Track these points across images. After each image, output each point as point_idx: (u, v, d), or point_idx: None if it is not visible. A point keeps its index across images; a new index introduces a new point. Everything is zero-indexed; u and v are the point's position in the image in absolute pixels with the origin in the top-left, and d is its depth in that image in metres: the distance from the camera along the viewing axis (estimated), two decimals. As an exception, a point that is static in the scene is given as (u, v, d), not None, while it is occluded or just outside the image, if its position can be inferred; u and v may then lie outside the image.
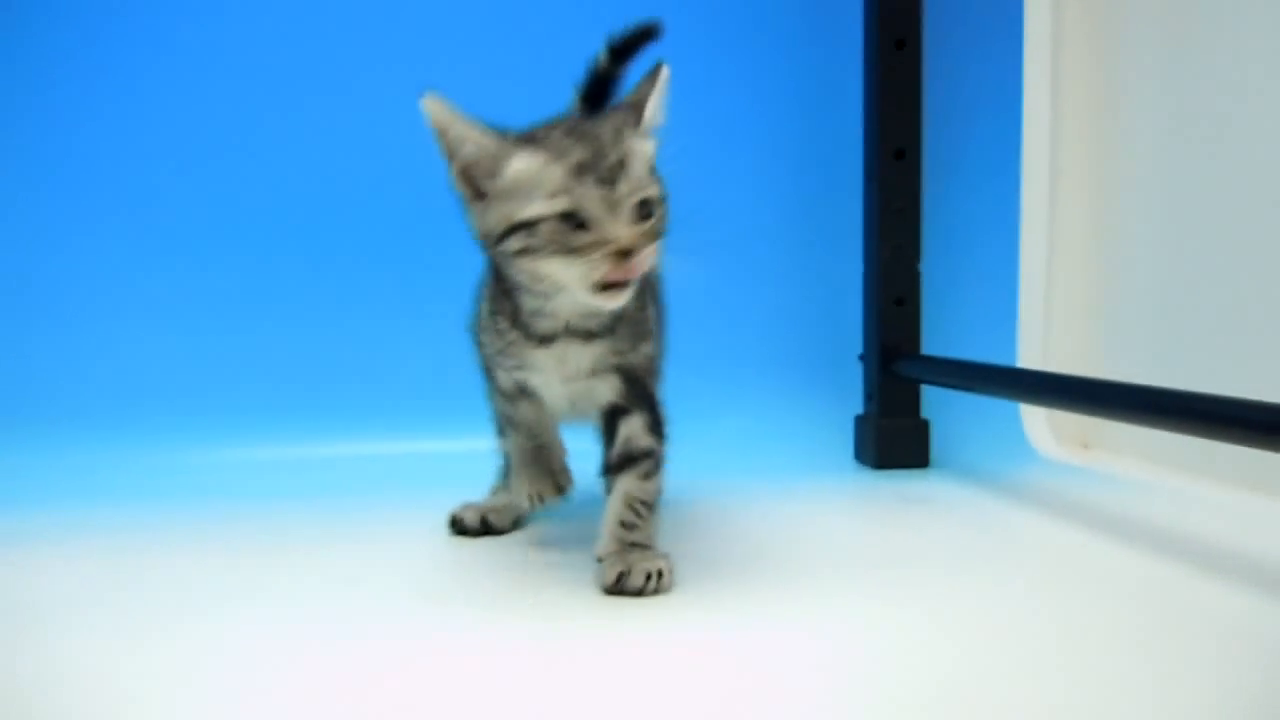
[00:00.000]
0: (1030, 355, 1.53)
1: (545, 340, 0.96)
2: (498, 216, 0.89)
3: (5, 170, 1.51)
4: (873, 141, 1.42)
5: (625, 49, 1.10)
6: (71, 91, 1.52)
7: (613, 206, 0.86)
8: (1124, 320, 1.49)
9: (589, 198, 0.86)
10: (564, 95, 1.11)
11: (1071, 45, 1.53)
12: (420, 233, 1.55)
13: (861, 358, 1.48)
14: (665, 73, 0.96)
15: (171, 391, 1.53)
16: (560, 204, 0.86)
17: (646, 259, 0.88)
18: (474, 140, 0.89)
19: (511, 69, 1.52)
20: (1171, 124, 1.39)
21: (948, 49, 1.47)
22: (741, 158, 1.58)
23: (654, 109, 0.94)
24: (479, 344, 1.04)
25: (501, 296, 0.96)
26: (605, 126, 0.90)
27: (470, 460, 1.43)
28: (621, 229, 0.86)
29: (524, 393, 1.01)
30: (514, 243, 0.88)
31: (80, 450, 1.46)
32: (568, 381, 0.98)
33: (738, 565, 1.02)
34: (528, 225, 0.88)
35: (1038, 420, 1.50)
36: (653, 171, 0.92)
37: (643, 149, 0.91)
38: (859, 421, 1.49)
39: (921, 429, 1.46)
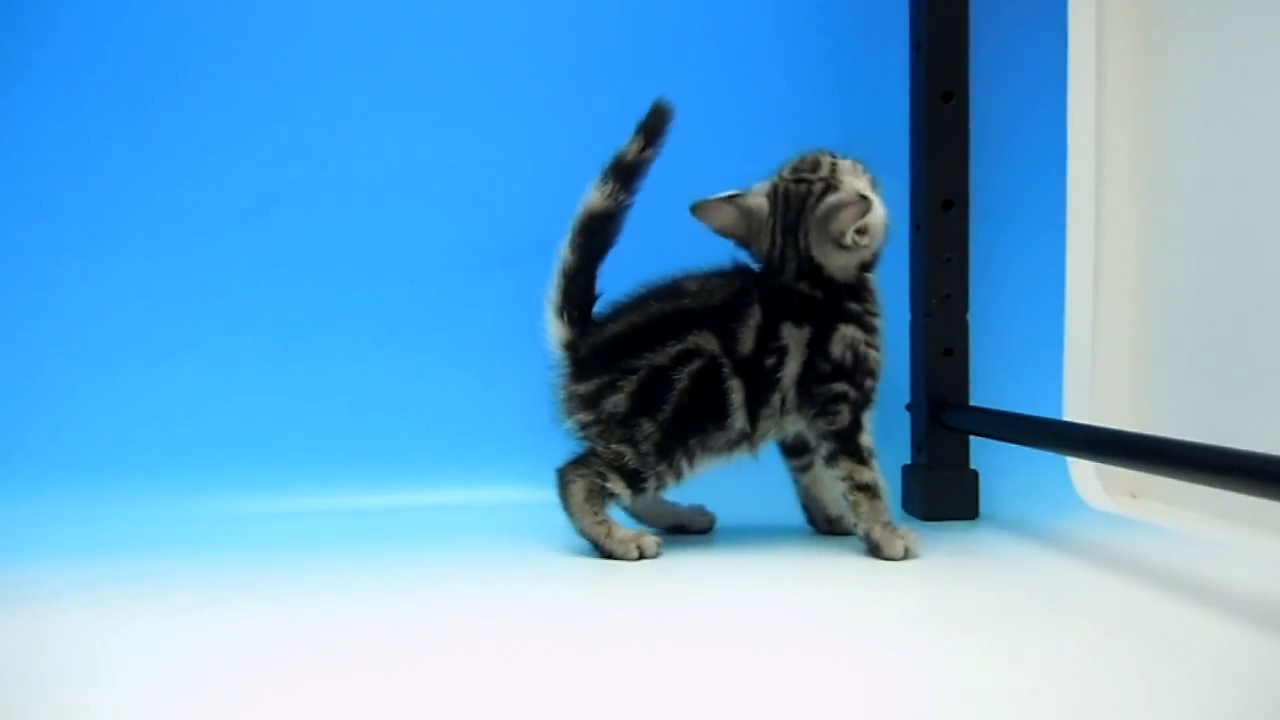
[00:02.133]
0: (1076, 406, 1.53)
1: None
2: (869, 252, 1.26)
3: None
4: (921, 192, 1.43)
5: (650, 131, 1.23)
6: (74, 128, 1.53)
7: None
8: (1169, 371, 1.49)
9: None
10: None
11: (1115, 95, 1.53)
12: (434, 273, 1.58)
13: (909, 407, 1.48)
14: None
15: (178, 439, 1.53)
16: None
17: None
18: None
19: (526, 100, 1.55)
20: (1217, 174, 1.39)
21: (994, 100, 1.48)
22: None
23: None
24: (864, 367, 1.26)
25: (873, 308, 1.28)
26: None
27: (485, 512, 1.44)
28: None
29: None
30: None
31: (75, 499, 1.46)
32: None
33: (787, 614, 1.03)
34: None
35: (1086, 471, 1.50)
36: None
37: None
38: (907, 471, 1.49)
39: (970, 480, 1.45)
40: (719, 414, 1.24)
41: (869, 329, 1.26)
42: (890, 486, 1.49)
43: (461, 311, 1.58)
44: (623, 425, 1.24)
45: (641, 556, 1.23)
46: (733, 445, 1.27)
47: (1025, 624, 0.99)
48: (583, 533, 1.25)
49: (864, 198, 1.22)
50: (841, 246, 1.24)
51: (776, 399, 1.26)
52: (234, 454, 1.52)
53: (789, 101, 1.61)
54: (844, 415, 1.25)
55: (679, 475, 1.26)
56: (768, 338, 1.24)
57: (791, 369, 1.25)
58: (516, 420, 1.55)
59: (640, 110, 1.24)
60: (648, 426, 1.23)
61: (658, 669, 0.87)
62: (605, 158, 1.25)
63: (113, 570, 1.20)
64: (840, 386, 1.25)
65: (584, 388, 1.26)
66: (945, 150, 1.39)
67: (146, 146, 1.54)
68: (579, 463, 1.26)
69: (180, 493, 1.48)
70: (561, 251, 1.25)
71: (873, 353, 1.26)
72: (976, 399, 1.45)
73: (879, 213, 1.25)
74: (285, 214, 1.56)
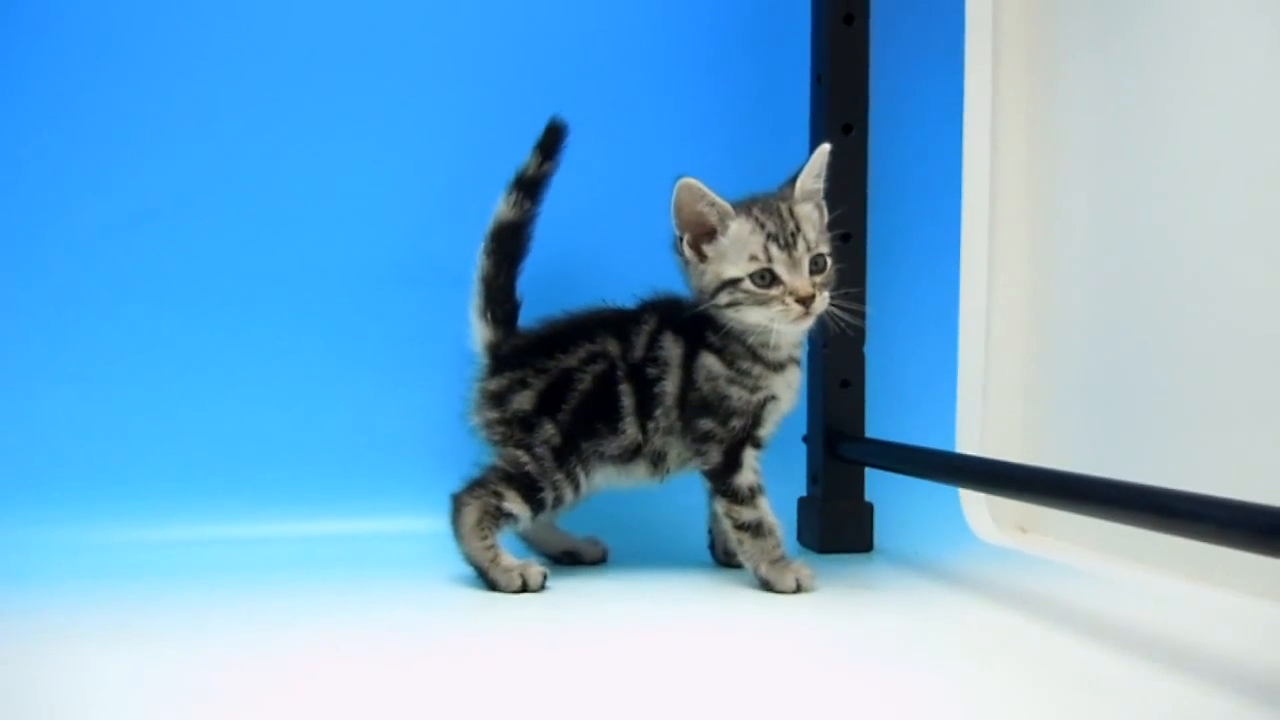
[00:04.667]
0: (969, 439, 1.54)
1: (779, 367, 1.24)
2: (712, 275, 1.20)
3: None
4: (820, 224, 1.43)
5: (547, 148, 1.31)
6: (46, 157, 1.46)
7: (793, 265, 1.17)
8: (1060, 404, 1.51)
9: (776, 259, 1.17)
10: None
11: (1009, 131, 1.56)
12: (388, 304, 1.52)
13: (805, 439, 1.47)
14: (821, 150, 1.23)
15: (128, 465, 1.45)
16: (756, 265, 1.17)
17: (821, 303, 1.18)
18: (715, 207, 1.19)
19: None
20: (1108, 210, 1.42)
21: (892, 134, 1.49)
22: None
23: (804, 180, 1.22)
24: (725, 405, 1.22)
25: (735, 347, 1.22)
26: (781, 201, 1.20)
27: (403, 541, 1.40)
28: (800, 281, 1.16)
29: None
30: (724, 296, 1.19)
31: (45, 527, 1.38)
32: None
33: (675, 647, 1.01)
34: (734, 282, 1.18)
35: (977, 504, 1.51)
36: (821, 232, 1.22)
37: (810, 215, 1.21)
38: (803, 503, 1.48)
39: (865, 513, 1.44)
40: (612, 417, 1.25)
41: (732, 365, 1.23)
42: (785, 518, 1.50)
43: (350, 332, 1.52)
44: (524, 427, 1.25)
45: (525, 588, 1.19)
46: (628, 456, 1.26)
47: (918, 657, 0.98)
48: (468, 558, 1.22)
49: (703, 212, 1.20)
50: (682, 258, 1.24)
51: (660, 413, 1.25)
52: (114, 480, 1.43)
53: (687, 129, 1.60)
54: (713, 454, 1.24)
55: (576, 487, 1.25)
56: (654, 346, 1.26)
57: (671, 385, 1.24)
58: (406, 448, 1.51)
59: (535, 138, 1.31)
60: (548, 428, 1.24)
61: (529, 707, 0.84)
62: (501, 179, 1.30)
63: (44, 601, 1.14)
64: (706, 424, 1.24)
65: (495, 384, 1.28)
66: (844, 183, 1.39)
67: (46, 155, 1.46)
68: (473, 485, 1.24)
69: (60, 521, 1.39)
70: (478, 260, 1.30)
71: (736, 391, 1.23)
72: (875, 432, 1.45)
73: (730, 230, 1.19)
74: (160, 233, 1.47)
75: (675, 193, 1.19)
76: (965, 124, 1.53)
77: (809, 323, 1.20)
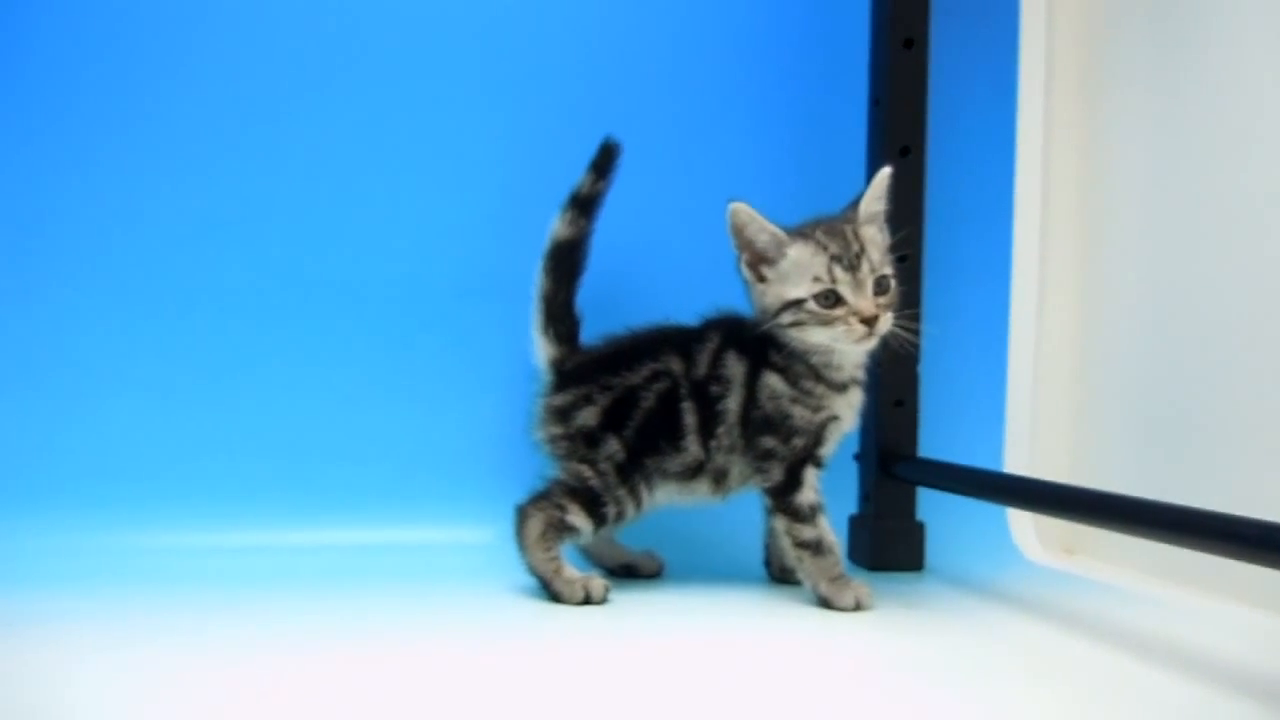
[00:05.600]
0: (1017, 459, 1.56)
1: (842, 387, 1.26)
2: (773, 297, 1.22)
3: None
4: (875, 245, 1.44)
5: (601, 168, 1.34)
6: (43, 152, 1.47)
7: (858, 286, 1.18)
8: (1109, 425, 1.52)
9: (841, 280, 1.18)
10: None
11: (1061, 152, 1.58)
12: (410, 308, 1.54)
13: (857, 457, 1.49)
14: (883, 173, 1.26)
15: (146, 471, 1.46)
16: (820, 286, 1.18)
17: (885, 323, 1.20)
18: (767, 234, 1.22)
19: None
20: (1160, 230, 1.43)
21: (948, 155, 1.51)
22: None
23: (867, 202, 1.24)
24: (788, 424, 1.24)
25: (798, 366, 1.24)
26: (846, 224, 1.22)
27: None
28: (865, 302, 1.18)
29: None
30: (787, 316, 1.20)
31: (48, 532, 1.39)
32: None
33: (732, 663, 1.03)
34: (797, 303, 1.20)
35: (1024, 525, 1.52)
36: (885, 254, 1.23)
37: (874, 237, 1.23)
38: (854, 521, 1.50)
39: (916, 532, 1.46)
40: (674, 435, 1.27)
41: (795, 384, 1.25)
42: (836, 536, 1.51)
43: (410, 344, 1.54)
44: (589, 442, 1.27)
45: (588, 600, 1.21)
46: (690, 474, 1.28)
47: (972, 677, 1.00)
48: (532, 569, 1.24)
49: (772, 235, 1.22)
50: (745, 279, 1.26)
51: (722, 431, 1.27)
52: (167, 487, 1.45)
53: (745, 152, 1.62)
54: (775, 472, 1.25)
55: (639, 503, 1.27)
56: (718, 364, 1.28)
57: (733, 404, 1.26)
58: (462, 457, 1.53)
59: (591, 153, 1.34)
60: (612, 444, 1.26)
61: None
62: (558, 192, 1.33)
63: (54, 605, 1.15)
64: (769, 442, 1.25)
65: (560, 400, 1.30)
66: (901, 204, 1.40)
67: (76, 160, 1.47)
68: (537, 498, 1.26)
69: (108, 527, 1.40)
70: (538, 278, 1.33)
71: (799, 410, 1.25)
72: (926, 451, 1.47)
73: (789, 255, 1.21)
74: (225, 239, 1.50)
75: (728, 217, 1.23)
76: (1018, 147, 1.55)
77: (873, 343, 1.22)
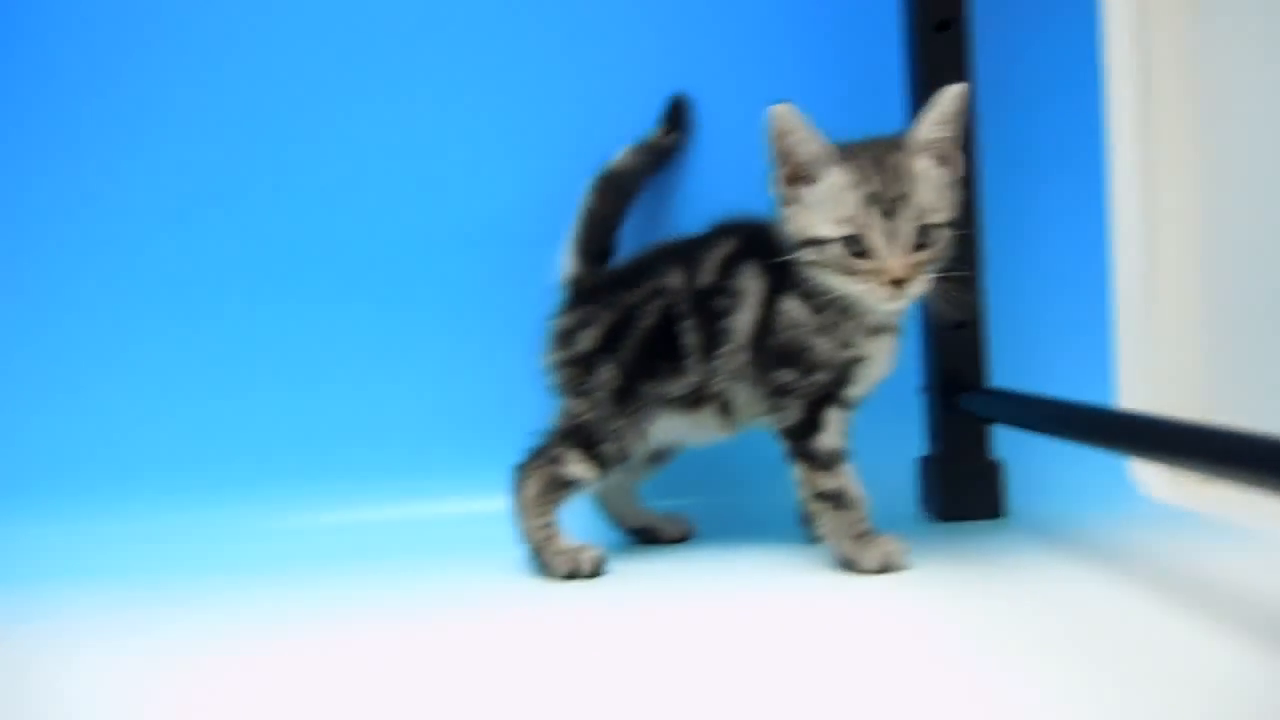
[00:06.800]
0: (1130, 392, 1.28)
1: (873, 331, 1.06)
2: (797, 226, 1.03)
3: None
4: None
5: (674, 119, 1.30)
6: (49, 151, 1.43)
7: (891, 236, 0.97)
8: (1238, 341, 1.23)
9: (872, 227, 0.98)
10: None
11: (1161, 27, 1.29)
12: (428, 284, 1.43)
13: (923, 390, 1.27)
14: (949, 92, 1.01)
15: (198, 450, 1.42)
16: (847, 229, 0.99)
17: (918, 286, 0.99)
18: (814, 145, 1.01)
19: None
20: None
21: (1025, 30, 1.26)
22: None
23: (928, 126, 1.01)
24: (807, 357, 1.06)
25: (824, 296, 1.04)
26: (894, 152, 1.00)
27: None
28: (895, 260, 0.96)
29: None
30: (809, 253, 1.02)
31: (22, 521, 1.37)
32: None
33: (755, 632, 0.89)
34: (819, 242, 1.01)
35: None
36: (941, 194, 1.00)
37: (928, 173, 1.00)
38: (922, 464, 1.29)
39: (989, 473, 1.24)
40: (672, 355, 1.12)
41: (820, 312, 1.05)
42: (904, 481, 1.31)
43: (422, 317, 1.42)
44: (586, 368, 1.14)
45: (574, 574, 1.08)
46: (692, 402, 1.13)
47: (1041, 653, 0.79)
48: (524, 535, 1.13)
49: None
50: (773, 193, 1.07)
51: (726, 352, 1.10)
52: (173, 469, 1.40)
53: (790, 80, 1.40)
54: (792, 410, 1.08)
55: (640, 436, 1.13)
56: (728, 274, 1.11)
57: (742, 322, 1.09)
58: (472, 430, 1.41)
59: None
60: (608, 370, 1.13)
61: (603, 695, 0.76)
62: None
63: (82, 595, 1.15)
64: (785, 375, 1.07)
65: (564, 321, 1.18)
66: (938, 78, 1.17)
67: (81, 144, 1.44)
68: (534, 454, 1.15)
69: (115, 511, 1.38)
70: (584, 196, 1.24)
71: (823, 342, 1.06)
72: (1004, 381, 1.24)
73: (826, 180, 1.01)
74: (230, 218, 1.42)
75: (769, 121, 1.01)
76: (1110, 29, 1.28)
77: (902, 304, 1.01)
